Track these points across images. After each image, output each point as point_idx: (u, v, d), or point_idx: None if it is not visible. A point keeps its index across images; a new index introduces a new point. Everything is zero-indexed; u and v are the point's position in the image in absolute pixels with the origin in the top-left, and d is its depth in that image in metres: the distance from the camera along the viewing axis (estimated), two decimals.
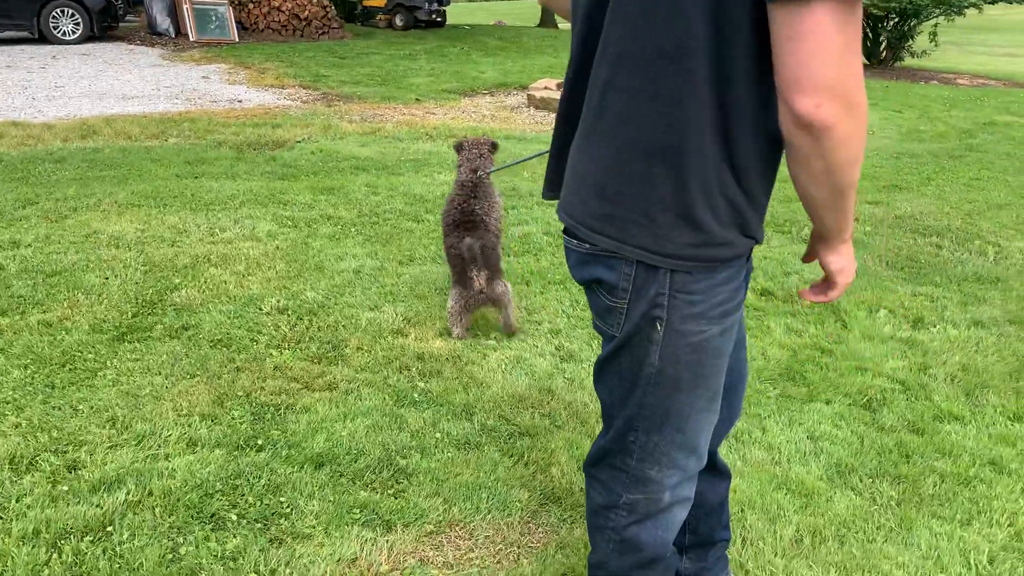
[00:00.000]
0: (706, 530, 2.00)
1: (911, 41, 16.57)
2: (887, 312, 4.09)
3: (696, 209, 1.32)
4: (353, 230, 4.86)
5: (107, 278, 3.91)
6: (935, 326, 3.97)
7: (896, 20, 16.18)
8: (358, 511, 2.40)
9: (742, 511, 2.49)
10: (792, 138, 1.22)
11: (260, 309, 3.68)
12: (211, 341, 3.36)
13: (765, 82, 1.25)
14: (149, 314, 3.57)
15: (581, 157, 1.43)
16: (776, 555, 2.31)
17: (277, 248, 4.45)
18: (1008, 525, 2.49)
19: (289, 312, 3.66)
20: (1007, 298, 4.39)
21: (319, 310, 3.70)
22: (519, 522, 2.42)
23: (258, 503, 2.41)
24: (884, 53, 16.78)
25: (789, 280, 4.47)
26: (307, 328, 3.53)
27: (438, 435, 2.79)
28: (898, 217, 5.85)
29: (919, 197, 6.46)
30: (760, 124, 1.30)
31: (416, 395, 3.03)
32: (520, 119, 9.47)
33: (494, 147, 3.76)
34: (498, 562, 2.27)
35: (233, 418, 2.82)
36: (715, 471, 1.93)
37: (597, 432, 2.86)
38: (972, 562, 2.32)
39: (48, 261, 4.10)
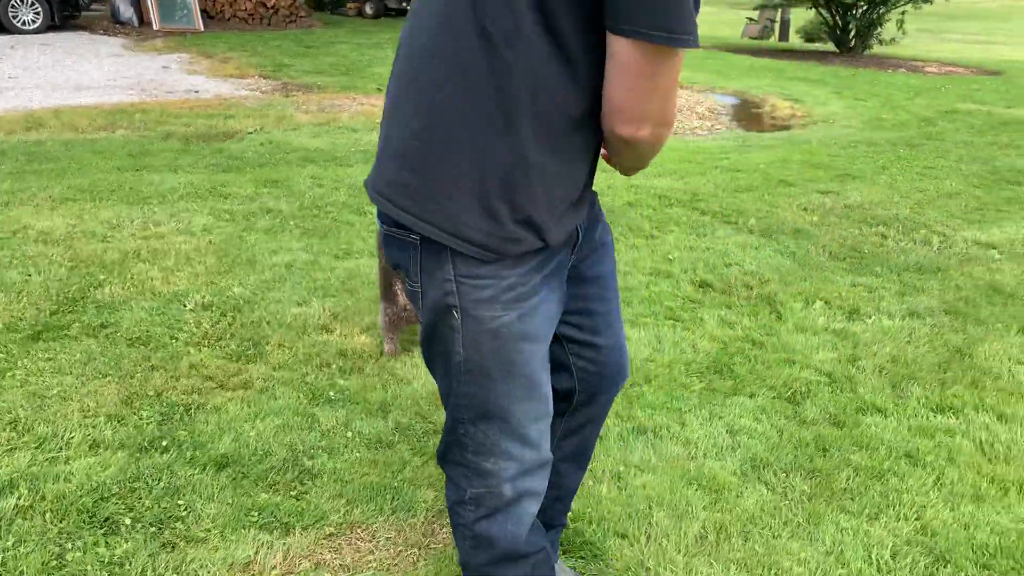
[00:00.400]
0: (551, 513, 1.98)
1: (880, 29, 16.62)
2: (823, 303, 4.09)
3: (492, 198, 1.30)
4: (292, 223, 4.79)
5: (30, 275, 3.83)
6: (870, 317, 3.97)
7: (865, 8, 16.22)
8: (256, 513, 2.35)
9: (650, 508, 2.47)
10: (611, 141, 1.31)
11: (184, 306, 3.62)
12: (129, 339, 3.30)
13: (577, 84, 1.26)
14: (68, 312, 3.50)
15: (389, 124, 1.41)
16: (679, 552, 2.29)
17: (210, 243, 4.38)
18: (915, 519, 2.49)
19: (213, 308, 3.60)
20: (945, 288, 4.39)
21: (244, 306, 3.65)
22: (423, 523, 2.39)
23: (155, 506, 2.36)
24: (853, 41, 16.82)
25: (729, 272, 4.46)
26: (229, 325, 3.47)
27: (349, 434, 2.75)
28: (847, 207, 5.85)
29: (871, 186, 6.46)
30: (568, 123, 1.32)
31: (332, 393, 2.98)
32: None
33: None
34: (397, 564, 2.23)
35: (140, 419, 2.77)
36: (581, 458, 1.90)
37: None
38: (874, 557, 2.31)
39: None
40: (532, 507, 1.63)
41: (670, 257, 4.63)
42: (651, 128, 1.29)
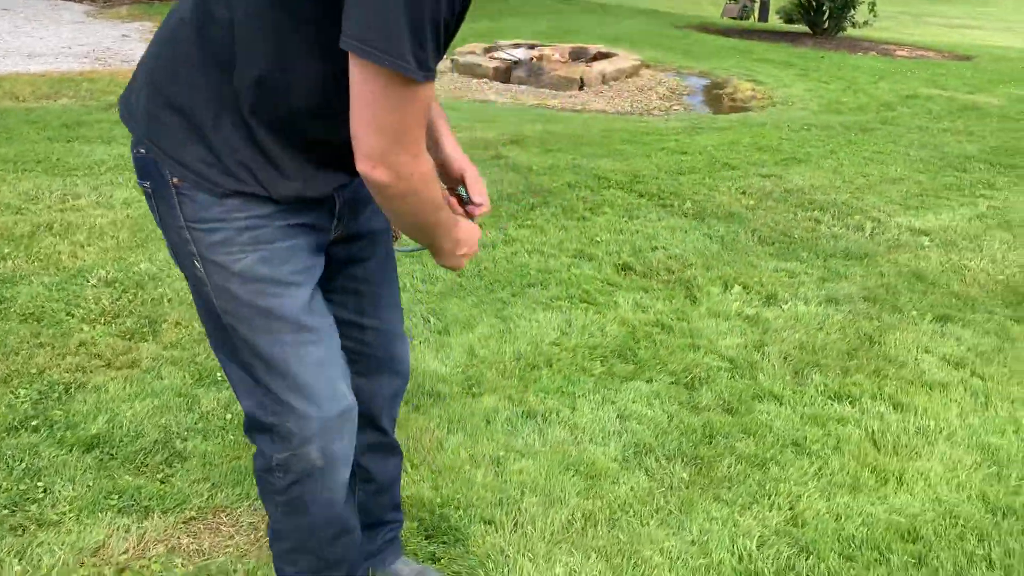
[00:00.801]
0: (375, 509, 1.96)
1: (853, 11, 16.56)
2: (741, 288, 4.07)
3: (213, 133, 1.33)
4: None
5: None
6: (786, 303, 3.96)
7: None
8: (117, 496, 2.32)
9: (522, 494, 2.45)
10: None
11: (87, 281, 3.56)
12: (22, 315, 3.24)
13: (314, 61, 1.28)
14: None
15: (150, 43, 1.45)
16: (543, 540, 2.28)
17: (128, 216, 4.31)
18: (788, 509, 2.48)
19: (116, 285, 3.54)
20: (868, 274, 4.39)
21: (148, 283, 3.59)
22: None
23: (13, 488, 2.32)
24: (827, 23, 16.76)
25: (653, 255, 4.43)
26: (129, 302, 3.41)
27: (228, 416, 2.72)
28: (787, 191, 5.83)
29: (815, 171, 6.45)
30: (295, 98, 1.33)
31: (220, 375, 2.94)
32: (438, 84, 9.30)
33: None
34: (254, 550, 2.21)
35: (16, 397, 2.72)
36: (385, 448, 1.88)
37: (405, 411, 2.81)
38: (738, 547, 2.30)
39: None
40: (344, 472, 1.60)
41: (597, 239, 4.60)
42: (385, 171, 1.24)
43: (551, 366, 3.22)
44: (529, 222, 4.77)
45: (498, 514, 2.36)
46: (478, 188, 1.70)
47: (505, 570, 2.16)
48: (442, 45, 1.21)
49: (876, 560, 2.29)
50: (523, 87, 9.69)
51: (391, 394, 1.83)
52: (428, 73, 1.19)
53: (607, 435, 2.79)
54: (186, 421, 2.67)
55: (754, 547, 2.31)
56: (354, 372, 1.65)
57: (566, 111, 8.71)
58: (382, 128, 1.21)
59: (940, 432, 2.95)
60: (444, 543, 2.26)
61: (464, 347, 3.29)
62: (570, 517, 2.37)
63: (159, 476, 2.43)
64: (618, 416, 2.91)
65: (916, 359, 3.49)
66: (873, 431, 2.93)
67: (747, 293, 4.05)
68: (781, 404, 3.07)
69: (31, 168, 4.99)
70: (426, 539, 2.27)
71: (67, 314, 3.29)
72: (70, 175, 4.92)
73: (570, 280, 4.02)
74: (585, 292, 3.90)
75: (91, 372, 2.90)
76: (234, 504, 2.35)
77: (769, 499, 2.52)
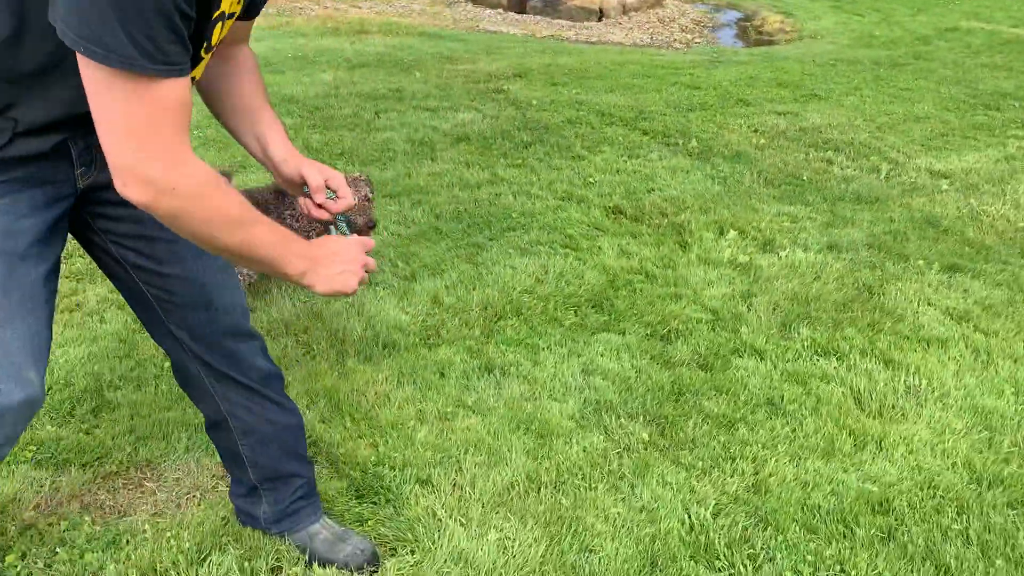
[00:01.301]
0: (268, 463, 1.83)
1: None
2: (737, 234, 3.84)
3: None
4: (195, 132, 4.55)
5: None
6: (784, 250, 3.73)
7: None
8: (35, 448, 2.20)
9: (465, 453, 2.30)
10: None
11: None
12: None
13: None
14: None
15: None
16: (480, 504, 2.13)
17: None
18: (752, 474, 2.31)
19: None
20: (877, 219, 4.13)
21: None
22: (218, 463, 2.23)
23: None
24: None
25: (648, 197, 4.20)
26: None
27: (167, 364, 2.58)
28: (802, 129, 5.53)
29: (835, 108, 6.11)
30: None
31: None
32: (451, 15, 8.98)
33: None
34: (172, 507, 2.09)
35: None
36: (248, 393, 1.74)
37: (354, 362, 2.66)
38: (691, 515, 2.14)
39: None
40: (4, 451, 1.44)
41: (591, 180, 4.37)
42: (139, 187, 1.09)
43: (519, 315, 3.04)
44: (520, 161, 4.55)
45: (436, 474, 2.21)
46: (334, 184, 1.51)
47: (435, 535, 2.01)
48: (189, 34, 1.07)
49: (840, 533, 2.11)
50: (538, 18, 9.32)
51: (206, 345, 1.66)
52: (166, 68, 1.03)
53: (567, 391, 2.62)
54: (120, 369, 2.54)
55: (708, 516, 2.14)
56: (171, 322, 1.57)
57: (580, 43, 8.36)
58: (121, 134, 1.06)
59: (932, 392, 2.74)
60: (374, 504, 2.12)
61: (429, 294, 3.12)
62: (513, 479, 2.22)
63: (83, 427, 2.31)
64: (582, 371, 2.73)
65: (916, 312, 3.25)
66: (859, 390, 2.73)
67: (743, 239, 3.82)
68: (761, 359, 2.87)
69: None
70: (356, 499, 2.13)
71: None
72: None
73: (554, 224, 3.82)
74: (568, 237, 3.70)
75: None
76: (159, 459, 2.23)
77: (732, 463, 2.35)
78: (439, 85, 5.89)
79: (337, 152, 4.45)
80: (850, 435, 2.49)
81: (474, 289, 3.17)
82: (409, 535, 2.02)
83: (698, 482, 2.26)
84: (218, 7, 1.18)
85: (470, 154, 4.58)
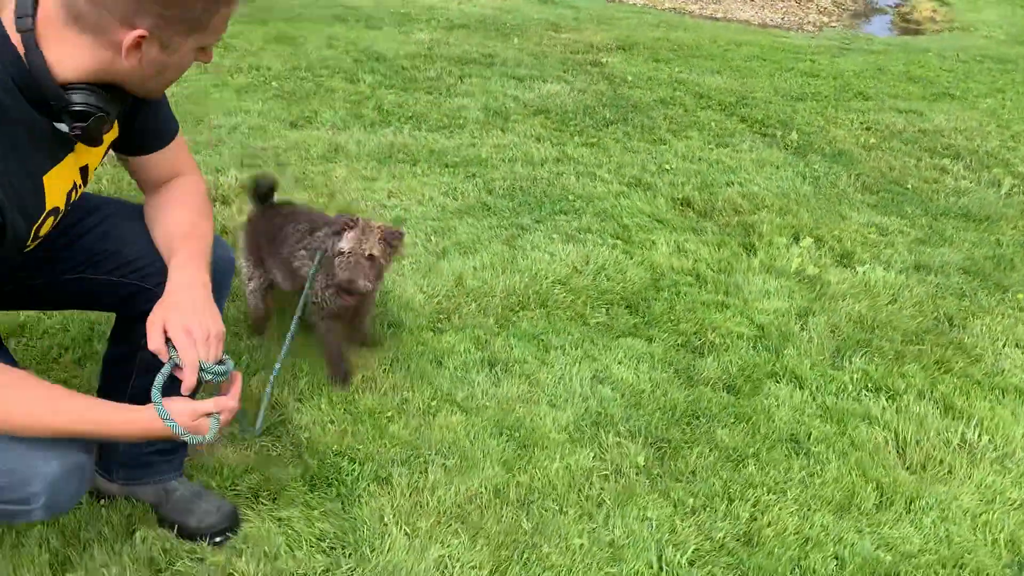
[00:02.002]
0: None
1: None
2: (814, 242, 3.49)
3: None
4: (273, 83, 4.53)
5: None
6: (862, 265, 3.36)
7: None
8: None
9: (436, 455, 2.14)
10: None
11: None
12: None
13: None
14: None
15: None
16: (433, 514, 1.97)
17: (172, 95, 4.17)
18: (748, 520, 2.05)
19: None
20: (981, 241, 3.68)
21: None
22: None
23: None
24: None
25: (723, 192, 3.89)
26: (129, 185, 3.28)
27: None
28: (921, 131, 5.01)
29: (967, 110, 5.52)
30: None
31: None
32: None
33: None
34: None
35: None
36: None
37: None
38: (664, 560, 1.91)
39: None
40: None
41: (666, 167, 4.09)
42: None
43: (543, 307, 2.84)
44: (595, 140, 4.30)
45: (397, 474, 2.07)
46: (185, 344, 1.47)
47: (377, 542, 1.87)
48: None
49: None
50: None
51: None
52: None
53: (569, 398, 2.42)
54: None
55: (683, 562, 1.91)
56: None
57: (702, 19, 7.92)
58: None
59: (992, 451, 2.39)
60: (323, 497, 1.99)
61: (454, 274, 2.96)
62: (478, 489, 2.04)
63: (64, 375, 2.28)
64: (592, 377, 2.52)
65: (998, 354, 2.86)
66: (904, 437, 2.40)
67: (818, 248, 3.47)
68: (799, 388, 2.57)
69: None
70: (308, 488, 2.01)
71: None
72: None
73: (611, 211, 3.57)
74: (622, 227, 3.45)
75: None
76: None
77: (729, 504, 2.09)
78: (534, 53, 5.66)
79: (408, 115, 4.33)
80: (876, 489, 2.19)
81: (503, 273, 2.99)
82: (350, 537, 1.88)
83: (682, 522, 2.02)
84: (40, 214, 1.26)
85: (544, 128, 4.36)
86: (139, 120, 1.55)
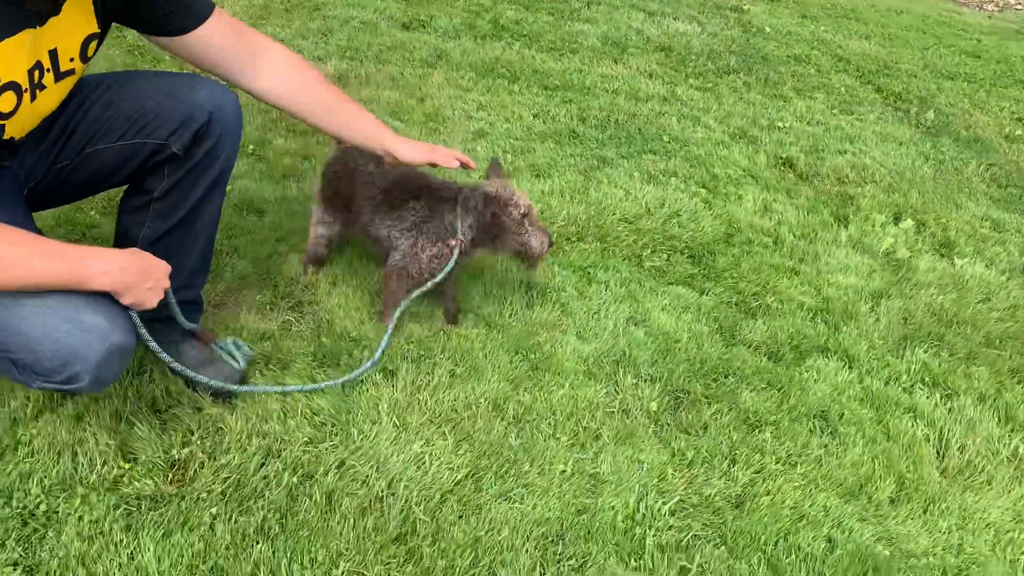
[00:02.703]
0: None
1: None
2: (915, 225, 3.25)
3: None
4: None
5: None
6: (963, 258, 3.12)
7: None
8: None
9: (446, 359, 2.15)
10: None
11: None
12: None
13: None
14: None
15: None
16: (428, 410, 1.98)
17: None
18: (744, 484, 1.97)
19: None
20: None
21: None
22: None
23: None
24: None
25: (833, 159, 3.66)
26: None
27: None
28: None
29: None
30: None
31: None
32: None
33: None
34: None
35: None
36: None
37: None
38: (644, 503, 1.86)
39: None
40: None
41: (778, 124, 3.88)
42: None
43: (601, 241, 2.78)
44: (709, 84, 4.12)
45: (404, 369, 2.09)
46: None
47: (364, 427, 1.91)
48: None
49: None
50: None
51: None
52: None
53: (599, 333, 2.37)
54: None
55: (664, 510, 1.86)
56: None
57: None
58: None
59: None
60: (328, 376, 2.03)
61: None
62: (476, 399, 2.04)
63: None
64: (629, 318, 2.45)
65: None
66: (947, 439, 2.24)
67: (918, 232, 3.23)
68: (849, 368, 2.43)
69: None
70: (316, 364, 2.07)
71: None
72: None
73: (704, 158, 3.43)
74: (712, 176, 3.31)
75: None
76: None
77: (731, 466, 2.01)
78: None
79: (523, 33, 4.26)
80: (897, 482, 2.06)
81: (569, 202, 2.93)
82: (342, 417, 1.93)
83: (675, 471, 1.96)
84: None
85: (659, 66, 4.21)
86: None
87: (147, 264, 1.52)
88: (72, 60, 1.56)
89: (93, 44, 1.59)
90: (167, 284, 1.57)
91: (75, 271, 1.41)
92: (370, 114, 1.95)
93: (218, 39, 1.70)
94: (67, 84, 1.59)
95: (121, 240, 1.86)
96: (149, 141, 1.71)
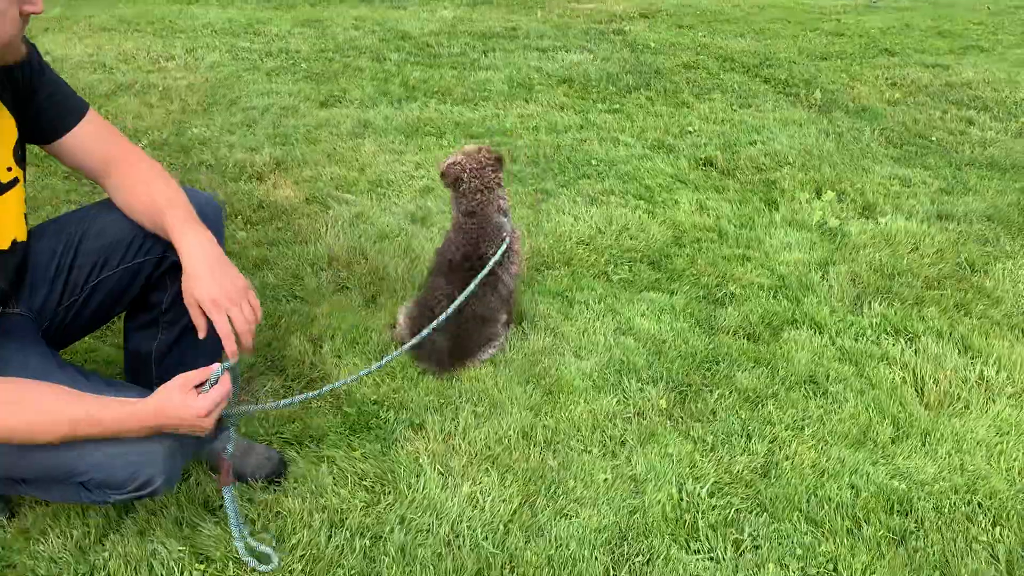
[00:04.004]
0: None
1: None
2: (836, 195, 3.54)
3: None
4: (302, 65, 4.66)
5: None
6: (884, 216, 3.41)
7: None
8: None
9: (466, 402, 2.26)
10: None
11: (138, 142, 3.62)
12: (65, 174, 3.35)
13: None
14: None
15: None
16: (465, 454, 2.09)
17: (206, 80, 4.34)
18: (765, 455, 2.14)
19: (164, 147, 3.58)
20: (1007, 189, 3.70)
21: (194, 148, 3.60)
22: None
23: None
24: None
25: (747, 151, 3.94)
26: (170, 165, 3.44)
27: None
28: (948, 84, 5.00)
29: (997, 61, 5.48)
30: None
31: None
32: None
33: (499, 162, 2.53)
34: None
35: None
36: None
37: (385, 299, 2.66)
38: (684, 491, 2.01)
39: None
40: None
41: (689, 129, 4.15)
42: None
43: (567, 265, 2.94)
44: (617, 106, 4.37)
45: (431, 421, 2.19)
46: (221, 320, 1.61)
47: (413, 480, 2.00)
48: None
49: (844, 530, 1.92)
50: None
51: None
52: None
53: (593, 349, 2.52)
54: None
55: (703, 494, 2.00)
56: None
57: None
58: None
59: (1009, 387, 2.44)
60: (364, 440, 2.12)
61: None
62: (506, 432, 2.16)
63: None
64: (616, 329, 2.61)
65: (1020, 295, 2.90)
66: (922, 376, 2.47)
67: (840, 201, 3.52)
68: (820, 333, 2.65)
69: (142, 29, 5.13)
70: (348, 432, 2.15)
71: None
72: (174, 36, 5.02)
73: (634, 173, 3.65)
74: (645, 188, 3.53)
75: None
76: None
77: (748, 441, 2.18)
78: (557, 25, 5.73)
79: (433, 90, 4.44)
80: (892, 423, 2.26)
81: (528, 236, 3.09)
82: (389, 476, 2.01)
83: (702, 457, 2.12)
84: None
85: (567, 97, 4.44)
86: (34, 104, 1.61)
87: (173, 420, 1.50)
88: (10, 169, 1.57)
89: (19, 147, 1.62)
90: (207, 423, 1.54)
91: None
92: (198, 238, 1.65)
93: (88, 143, 1.70)
94: (15, 196, 1.58)
95: (133, 359, 1.92)
96: (148, 258, 1.78)
